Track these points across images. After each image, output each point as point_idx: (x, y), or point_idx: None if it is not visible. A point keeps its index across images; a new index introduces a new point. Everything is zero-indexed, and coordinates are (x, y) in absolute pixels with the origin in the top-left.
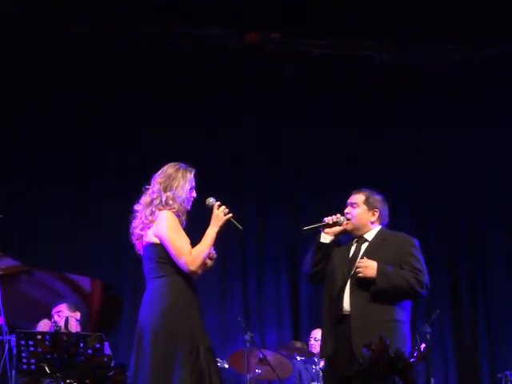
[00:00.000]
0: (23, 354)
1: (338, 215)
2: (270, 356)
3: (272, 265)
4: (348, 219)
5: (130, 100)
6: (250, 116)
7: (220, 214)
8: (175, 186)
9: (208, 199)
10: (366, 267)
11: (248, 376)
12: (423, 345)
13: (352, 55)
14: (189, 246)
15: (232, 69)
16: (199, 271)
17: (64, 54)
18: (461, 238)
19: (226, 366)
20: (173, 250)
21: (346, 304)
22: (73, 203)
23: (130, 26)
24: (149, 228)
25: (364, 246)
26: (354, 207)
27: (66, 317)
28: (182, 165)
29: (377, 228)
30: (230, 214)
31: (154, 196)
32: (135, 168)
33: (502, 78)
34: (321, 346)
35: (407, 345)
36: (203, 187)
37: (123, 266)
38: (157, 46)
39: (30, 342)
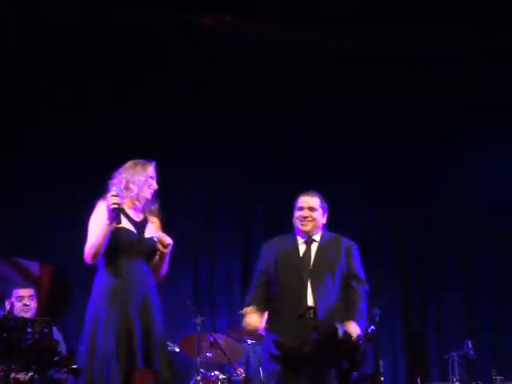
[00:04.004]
0: None
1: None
2: (221, 340)
3: (224, 249)
4: None
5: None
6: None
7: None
8: (135, 172)
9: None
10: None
11: (198, 359)
12: (372, 327)
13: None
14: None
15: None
16: (92, 261)
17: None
18: (412, 221)
19: (177, 349)
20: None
21: (310, 299)
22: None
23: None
24: None
25: (313, 247)
26: (312, 211)
27: (11, 302)
28: (141, 160)
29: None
30: (115, 205)
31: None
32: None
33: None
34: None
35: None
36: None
37: (76, 253)
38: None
39: None
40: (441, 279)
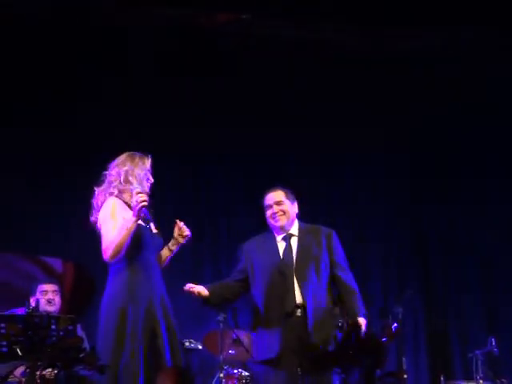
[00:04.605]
0: None
1: None
2: (244, 336)
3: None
4: None
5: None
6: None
7: (135, 201)
8: (134, 164)
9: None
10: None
11: (221, 357)
12: (395, 324)
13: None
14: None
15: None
16: (113, 260)
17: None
18: (432, 222)
19: (200, 347)
20: (102, 238)
21: (298, 296)
22: (44, 189)
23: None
24: (99, 211)
25: (293, 242)
26: (280, 205)
27: (36, 299)
28: (138, 152)
29: (296, 221)
30: (145, 203)
31: (112, 178)
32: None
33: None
34: (264, 347)
35: None
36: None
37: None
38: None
39: (2, 325)
40: (463, 278)
